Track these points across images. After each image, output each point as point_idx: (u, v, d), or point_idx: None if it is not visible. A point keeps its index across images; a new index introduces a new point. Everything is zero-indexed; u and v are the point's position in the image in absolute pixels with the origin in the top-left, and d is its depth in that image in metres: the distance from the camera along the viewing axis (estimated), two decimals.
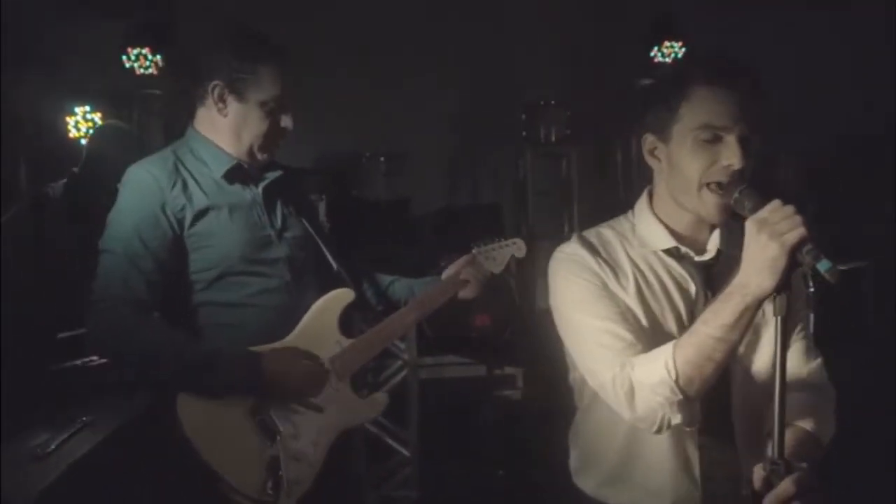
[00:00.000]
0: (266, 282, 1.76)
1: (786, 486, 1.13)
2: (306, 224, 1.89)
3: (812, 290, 1.30)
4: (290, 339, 1.76)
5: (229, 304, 1.73)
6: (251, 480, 1.64)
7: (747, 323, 1.20)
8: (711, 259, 1.39)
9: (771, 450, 1.14)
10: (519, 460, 3.53)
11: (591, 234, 1.45)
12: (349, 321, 1.87)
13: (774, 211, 1.15)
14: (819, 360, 1.44)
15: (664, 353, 1.26)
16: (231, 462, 1.63)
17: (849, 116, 4.63)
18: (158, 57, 4.26)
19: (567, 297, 1.39)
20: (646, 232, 1.42)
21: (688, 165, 1.31)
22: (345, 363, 1.80)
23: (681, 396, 1.25)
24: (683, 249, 1.40)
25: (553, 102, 4.70)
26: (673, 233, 1.40)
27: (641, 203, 1.45)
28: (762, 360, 1.38)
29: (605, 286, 1.37)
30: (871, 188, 4.55)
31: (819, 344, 1.49)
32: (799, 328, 1.44)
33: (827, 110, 4.52)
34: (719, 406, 1.36)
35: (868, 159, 4.65)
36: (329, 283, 1.86)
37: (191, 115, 1.83)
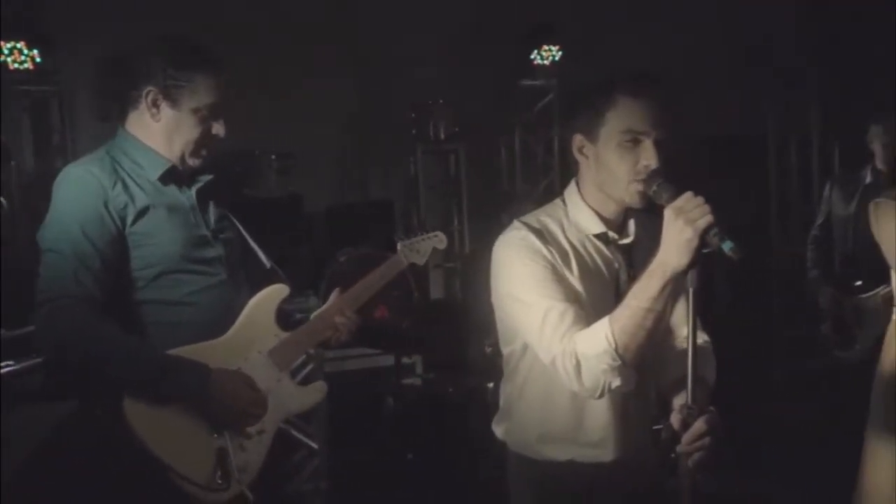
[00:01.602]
0: (204, 280, 1.82)
1: (699, 425, 1.40)
2: (238, 225, 1.96)
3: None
4: (230, 335, 1.83)
5: (169, 302, 1.78)
6: (201, 470, 1.70)
7: (669, 294, 1.43)
8: (630, 242, 1.63)
9: (686, 397, 1.39)
10: (424, 443, 3.70)
11: (532, 220, 1.63)
12: (286, 315, 1.96)
13: (688, 200, 1.38)
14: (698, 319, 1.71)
15: (602, 326, 1.46)
16: (180, 453, 1.69)
17: (723, 118, 5.11)
18: (35, 52, 4.06)
19: (517, 279, 1.56)
20: (580, 218, 1.63)
21: (616, 165, 1.54)
22: (284, 355, 1.89)
23: (620, 362, 1.45)
24: (611, 234, 1.62)
25: (441, 101, 4.88)
26: (602, 219, 1.62)
27: (572, 193, 1.65)
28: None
29: (553, 269, 1.55)
30: (734, 185, 5.05)
31: None
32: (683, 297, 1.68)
33: (702, 111, 4.95)
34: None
35: (735, 158, 5.17)
36: (263, 280, 1.94)
37: (121, 118, 1.84)
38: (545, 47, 4.83)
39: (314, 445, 3.69)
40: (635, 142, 1.53)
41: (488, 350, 3.26)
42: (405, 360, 3.99)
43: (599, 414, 1.62)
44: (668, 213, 1.40)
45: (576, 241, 1.62)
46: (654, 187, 1.48)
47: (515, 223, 1.63)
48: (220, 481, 1.72)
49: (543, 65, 4.88)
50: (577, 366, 1.47)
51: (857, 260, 2.47)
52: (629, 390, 1.50)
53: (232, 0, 4.71)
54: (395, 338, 3.90)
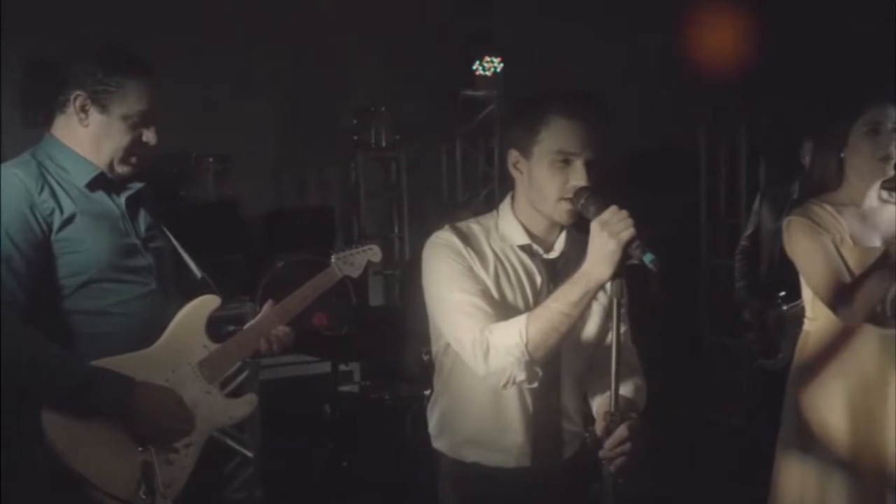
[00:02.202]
0: (133, 289, 1.79)
1: (621, 431, 1.45)
2: (168, 234, 1.93)
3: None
4: (158, 346, 1.80)
5: (95, 311, 1.74)
6: (124, 486, 1.67)
7: (587, 303, 1.50)
8: (556, 257, 1.68)
9: (610, 405, 1.45)
10: (361, 450, 3.69)
11: (462, 225, 1.70)
12: (217, 325, 1.93)
13: (613, 214, 1.44)
14: (628, 327, 1.77)
15: (519, 321, 1.53)
16: (102, 468, 1.65)
17: (656, 132, 5.25)
18: None
19: (439, 275, 1.63)
20: (506, 229, 1.68)
21: (546, 183, 1.59)
22: (214, 367, 1.86)
23: (528, 358, 1.51)
24: (535, 247, 1.67)
25: (383, 108, 4.88)
26: (528, 232, 1.67)
27: (505, 205, 1.72)
28: (584, 334, 1.68)
29: (470, 268, 1.62)
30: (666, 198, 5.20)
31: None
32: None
33: (632, 125, 5.08)
34: (552, 369, 1.64)
35: (666, 172, 5.32)
36: (194, 291, 1.91)
37: (48, 123, 1.80)
38: (487, 58, 4.89)
39: (248, 454, 3.66)
40: (566, 162, 1.57)
41: (425, 357, 3.27)
42: (342, 367, 3.98)
43: (515, 416, 1.66)
44: (593, 226, 1.45)
45: (498, 249, 1.67)
46: (582, 201, 1.53)
47: (446, 226, 1.70)
48: (143, 497, 1.69)
49: (485, 76, 4.94)
50: (487, 351, 1.53)
51: (783, 272, 2.57)
52: (533, 387, 1.57)
53: (171, 2, 4.62)
54: (332, 345, 3.88)
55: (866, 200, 2.11)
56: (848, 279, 2.01)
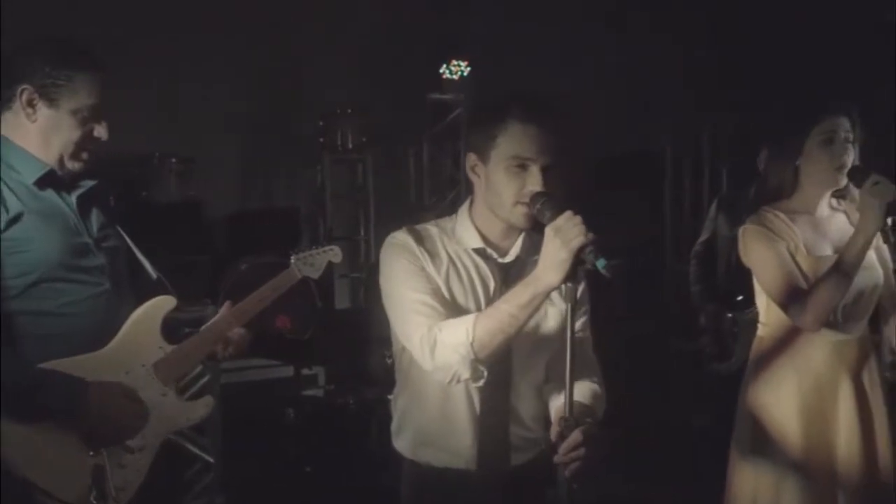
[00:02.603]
0: (85, 290, 1.75)
1: (575, 436, 1.45)
2: (122, 234, 1.89)
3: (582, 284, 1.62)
4: (111, 347, 1.77)
5: (46, 312, 1.69)
6: (75, 490, 1.64)
7: (536, 307, 1.51)
8: (510, 262, 1.69)
9: (564, 410, 1.45)
10: (324, 456, 3.66)
11: (419, 227, 1.71)
12: (174, 327, 1.90)
13: (567, 220, 1.44)
14: (586, 319, 1.77)
15: (467, 320, 1.54)
16: (51, 473, 1.62)
17: (621, 137, 5.30)
18: None
19: (392, 274, 1.64)
20: (462, 232, 1.69)
21: (503, 188, 1.59)
22: (169, 369, 1.83)
23: (473, 357, 1.52)
24: (489, 251, 1.68)
25: (349, 110, 4.86)
26: (483, 236, 1.68)
27: (463, 208, 1.73)
28: (539, 340, 1.69)
29: (423, 268, 1.63)
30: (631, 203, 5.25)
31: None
32: (580, 321, 1.73)
33: (602, 130, 5.12)
34: (502, 372, 1.65)
35: (632, 177, 5.38)
36: (149, 291, 1.88)
37: None
38: (454, 62, 4.90)
39: (209, 459, 3.60)
40: (523, 167, 1.57)
41: (389, 361, 3.26)
42: (306, 371, 3.94)
43: (463, 417, 1.67)
44: (547, 232, 1.46)
45: (452, 252, 1.68)
46: (538, 206, 1.54)
47: (404, 227, 1.71)
48: (94, 501, 1.65)
49: (452, 79, 4.96)
50: (434, 347, 1.54)
51: (739, 277, 2.62)
52: (478, 385, 1.58)
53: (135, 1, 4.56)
54: (296, 349, 3.85)
55: (818, 209, 2.15)
56: (804, 286, 2.04)
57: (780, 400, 2.12)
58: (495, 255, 1.68)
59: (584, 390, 1.65)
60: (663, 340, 5.33)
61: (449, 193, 5.29)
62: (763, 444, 2.13)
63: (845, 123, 2.09)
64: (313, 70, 4.95)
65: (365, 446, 3.56)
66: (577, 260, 1.42)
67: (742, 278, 2.30)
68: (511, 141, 1.57)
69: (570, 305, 1.44)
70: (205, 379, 3.54)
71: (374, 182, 5.08)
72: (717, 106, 5.10)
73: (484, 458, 1.67)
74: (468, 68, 4.95)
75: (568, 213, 1.45)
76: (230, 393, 3.65)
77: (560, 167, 1.59)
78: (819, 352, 2.10)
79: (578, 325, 1.73)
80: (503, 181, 1.58)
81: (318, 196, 5.05)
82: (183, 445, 3.52)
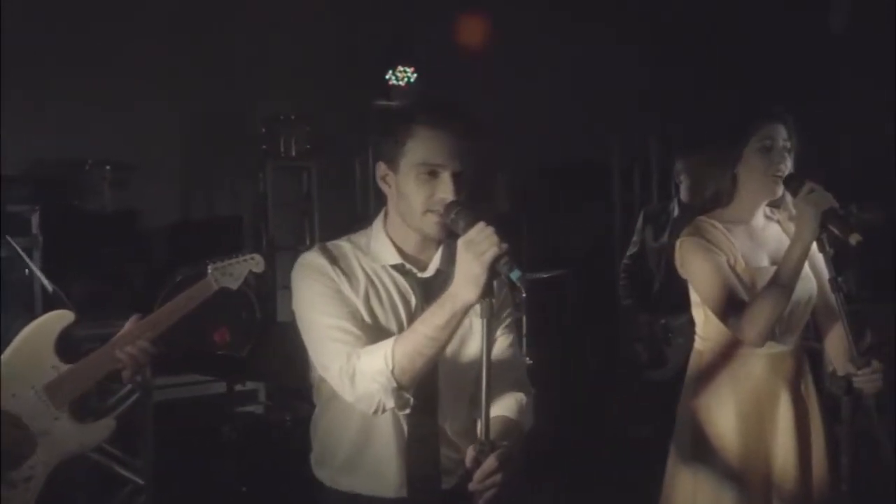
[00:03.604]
0: None
1: (490, 461, 1.36)
2: (16, 246, 1.76)
3: (524, 294, 1.55)
4: None
5: None
6: None
7: (455, 326, 1.41)
8: (431, 276, 1.60)
9: (479, 432, 1.36)
10: (261, 474, 3.52)
11: (331, 245, 1.61)
12: (73, 344, 1.77)
13: (479, 231, 1.36)
14: (514, 337, 1.69)
15: (385, 346, 1.45)
16: None
17: (562, 142, 5.28)
18: None
19: (305, 299, 1.54)
20: (378, 248, 1.60)
21: (412, 196, 1.51)
22: (62, 390, 1.70)
23: (395, 384, 1.43)
24: (408, 266, 1.59)
25: (293, 117, 4.74)
26: (401, 251, 1.59)
27: (377, 222, 1.63)
28: (465, 354, 1.60)
29: (339, 290, 1.53)
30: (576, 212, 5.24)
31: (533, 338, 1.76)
32: (502, 328, 1.67)
33: (544, 135, 5.10)
34: (428, 392, 1.56)
35: (580, 188, 5.37)
36: (44, 305, 1.74)
37: None
38: (400, 68, 4.82)
39: (139, 481, 3.44)
40: (433, 174, 1.50)
41: None
42: (239, 387, 3.79)
43: (386, 443, 1.58)
44: (459, 246, 1.38)
45: (370, 270, 1.59)
46: (452, 216, 1.46)
47: (316, 245, 1.61)
48: None
49: (399, 85, 4.87)
50: (354, 377, 1.45)
51: (670, 287, 2.60)
52: (405, 413, 1.50)
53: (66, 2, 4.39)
54: (230, 364, 3.70)
55: (754, 218, 2.12)
56: (745, 298, 2.00)
57: (721, 413, 2.09)
58: (415, 270, 1.60)
59: (509, 403, 1.59)
60: (614, 349, 5.31)
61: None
62: (703, 456, 2.10)
63: (783, 131, 2.06)
64: (257, 75, 4.83)
65: (302, 464, 3.42)
66: (493, 273, 1.34)
67: (676, 289, 2.26)
68: (420, 147, 1.50)
69: (485, 321, 1.35)
70: (133, 398, 3.40)
71: (318, 190, 4.95)
72: (665, 114, 5.11)
73: (414, 484, 1.58)
74: (415, 75, 4.87)
75: (480, 225, 1.37)
76: (163, 411, 3.50)
77: (472, 174, 1.52)
78: (757, 364, 2.08)
79: (502, 331, 1.66)
80: (413, 189, 1.51)
81: (261, 205, 4.91)
82: (111, 468, 3.35)
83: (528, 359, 3.21)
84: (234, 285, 2.07)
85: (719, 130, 2.22)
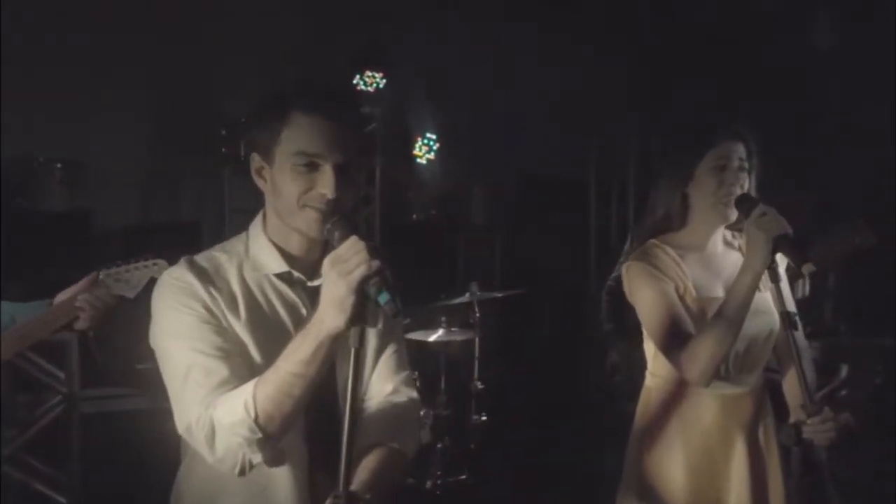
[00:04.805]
0: None
1: None
2: None
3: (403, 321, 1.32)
4: None
5: None
6: None
7: (324, 358, 1.21)
8: (322, 285, 1.37)
9: (339, 484, 1.12)
10: None
11: (203, 258, 1.39)
12: None
13: (349, 247, 1.16)
14: (405, 375, 1.49)
15: (245, 391, 1.23)
16: None
17: (539, 157, 5.13)
18: None
19: (165, 326, 1.32)
20: (259, 255, 1.39)
21: (287, 189, 1.31)
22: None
23: (260, 435, 1.22)
24: (296, 275, 1.39)
25: None
26: (286, 256, 1.38)
27: (256, 225, 1.42)
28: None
29: (210, 316, 1.31)
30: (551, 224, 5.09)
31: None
32: (389, 349, 1.47)
33: (521, 150, 4.96)
34: (329, 443, 1.31)
35: (556, 202, 5.22)
36: None
37: None
38: (368, 73, 4.65)
39: (62, 500, 3.25)
40: (312, 165, 1.31)
41: None
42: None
43: (287, 493, 1.35)
44: (325, 263, 1.18)
45: (252, 282, 1.37)
46: (329, 225, 1.27)
47: (182, 259, 1.38)
48: None
49: (367, 91, 4.71)
50: (212, 432, 1.23)
51: None
52: (279, 467, 1.27)
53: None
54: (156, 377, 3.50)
55: (710, 244, 1.93)
56: (692, 331, 1.80)
57: (668, 459, 1.90)
58: (303, 278, 1.39)
59: (381, 454, 1.37)
60: (585, 369, 5.13)
61: (363, 210, 5.01)
62: (649, 500, 1.90)
63: (741, 150, 1.86)
64: (221, 75, 4.68)
65: None
66: (362, 296, 1.13)
67: None
68: (296, 135, 1.31)
69: (354, 351, 1.13)
70: (59, 409, 3.23)
71: None
72: (644, 130, 4.96)
73: None
74: (384, 80, 4.70)
75: (352, 239, 1.18)
76: (91, 424, 3.32)
77: (356, 167, 1.33)
78: (710, 407, 1.88)
79: (387, 364, 1.46)
80: (289, 182, 1.31)
81: (219, 209, 4.74)
82: (32, 485, 3.16)
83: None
84: (130, 294, 1.88)
85: (673, 146, 2.02)
